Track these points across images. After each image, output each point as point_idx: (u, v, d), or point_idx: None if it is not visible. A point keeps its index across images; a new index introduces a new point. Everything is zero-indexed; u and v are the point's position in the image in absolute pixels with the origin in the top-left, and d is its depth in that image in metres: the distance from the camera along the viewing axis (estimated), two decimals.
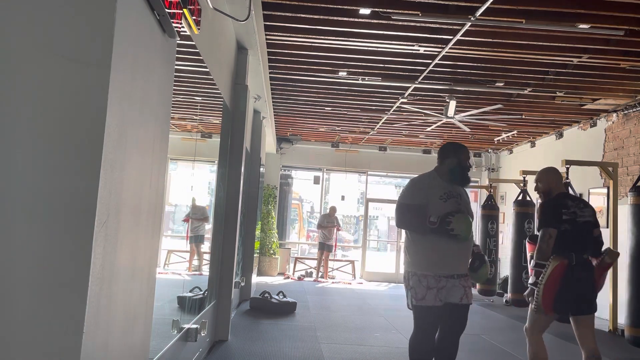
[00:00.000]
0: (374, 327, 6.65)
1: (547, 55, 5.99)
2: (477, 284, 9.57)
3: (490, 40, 5.59)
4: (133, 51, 1.97)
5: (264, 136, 9.30)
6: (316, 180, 13.38)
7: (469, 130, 9.61)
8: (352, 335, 6.01)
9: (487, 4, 4.60)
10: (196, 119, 4.68)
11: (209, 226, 5.69)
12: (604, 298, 7.48)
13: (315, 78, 7.41)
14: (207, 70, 3.92)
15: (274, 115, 9.83)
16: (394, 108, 8.74)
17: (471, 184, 12.97)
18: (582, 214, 3.54)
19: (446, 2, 4.74)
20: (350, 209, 16.81)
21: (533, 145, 10.91)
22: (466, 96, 7.82)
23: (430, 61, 6.34)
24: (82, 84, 1.71)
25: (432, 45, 5.84)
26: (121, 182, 1.93)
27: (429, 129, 9.82)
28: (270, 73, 7.15)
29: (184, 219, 5.67)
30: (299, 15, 5.21)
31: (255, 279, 9.12)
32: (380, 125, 10.37)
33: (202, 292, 4.77)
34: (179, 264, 5.58)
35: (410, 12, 4.95)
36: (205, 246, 5.93)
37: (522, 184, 8.31)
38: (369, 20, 5.22)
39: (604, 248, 3.72)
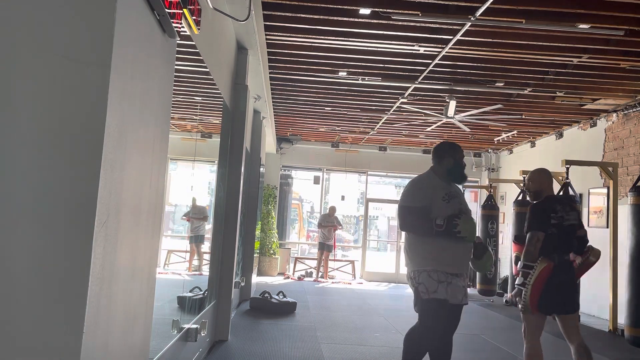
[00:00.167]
0: (374, 327, 6.65)
1: (547, 55, 5.99)
2: (477, 284, 9.58)
3: (490, 40, 5.59)
4: (133, 51, 1.97)
5: (264, 136, 9.30)
6: (316, 180, 13.38)
7: (469, 130, 9.62)
8: (352, 335, 6.01)
9: (487, 4, 4.60)
10: (196, 119, 4.67)
11: (209, 226, 5.69)
12: (604, 298, 7.49)
13: (315, 78, 7.41)
14: (207, 70, 3.92)
15: (274, 115, 9.83)
16: (394, 108, 8.74)
17: (471, 184, 13.00)
18: (568, 217, 3.66)
19: (446, 2, 4.74)
20: (350, 209, 16.81)
21: (533, 145, 10.92)
22: (466, 96, 7.82)
23: (430, 61, 6.35)
24: (82, 84, 1.71)
25: (432, 45, 5.84)
26: (121, 182, 1.93)
27: (429, 129, 9.82)
28: (270, 73, 7.15)
29: (183, 217, 5.68)
30: (299, 15, 5.21)
31: (255, 279, 9.12)
32: (380, 125, 10.37)
33: (202, 292, 4.77)
34: (179, 264, 5.58)
35: (410, 12, 4.95)
36: (205, 246, 5.93)
37: (522, 184, 8.30)
38: (369, 20, 5.22)
39: (602, 249, 3.77)
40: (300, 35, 5.76)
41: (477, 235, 3.47)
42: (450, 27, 5.28)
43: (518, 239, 3.93)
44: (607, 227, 7.67)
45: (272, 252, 12.10)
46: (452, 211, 3.36)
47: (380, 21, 5.21)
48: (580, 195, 8.40)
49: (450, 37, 5.51)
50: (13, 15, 1.69)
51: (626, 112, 7.88)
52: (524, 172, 8.19)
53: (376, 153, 13.00)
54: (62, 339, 1.63)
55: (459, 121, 8.51)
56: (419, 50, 6.00)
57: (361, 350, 5.29)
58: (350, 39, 5.79)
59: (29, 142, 1.66)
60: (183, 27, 2.67)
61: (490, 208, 9.66)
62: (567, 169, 7.16)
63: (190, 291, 4.56)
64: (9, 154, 1.65)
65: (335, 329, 6.36)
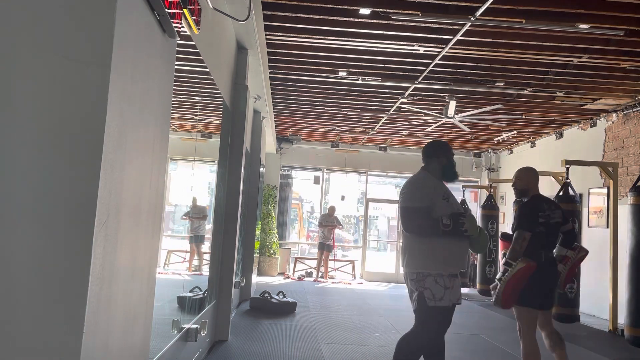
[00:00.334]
0: (374, 327, 6.65)
1: (547, 55, 5.99)
2: (477, 284, 9.59)
3: (490, 40, 5.59)
4: (133, 51, 1.97)
5: (264, 136, 9.30)
6: (316, 180, 13.38)
7: (469, 130, 9.62)
8: (352, 335, 6.01)
9: (487, 4, 4.60)
10: (196, 119, 4.67)
11: (209, 226, 5.69)
12: (604, 298, 7.49)
13: (315, 78, 7.41)
14: (207, 70, 3.92)
15: (274, 115, 9.83)
16: (394, 108, 8.74)
17: (471, 184, 12.99)
18: (553, 215, 3.81)
19: (446, 2, 4.74)
20: (350, 209, 16.80)
21: (533, 145, 10.92)
22: (466, 96, 7.82)
23: (430, 61, 6.35)
24: (82, 84, 1.71)
25: (432, 45, 5.84)
26: (121, 182, 1.93)
27: (429, 129, 9.82)
28: (270, 73, 7.15)
29: (183, 217, 5.69)
30: (299, 15, 5.21)
31: (255, 279, 9.12)
32: (380, 125, 10.37)
33: (202, 292, 4.77)
34: (179, 264, 5.58)
35: (410, 12, 4.96)
36: (206, 246, 5.93)
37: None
38: (369, 20, 5.22)
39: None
40: (300, 35, 5.76)
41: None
42: (450, 27, 5.28)
43: (505, 236, 4.05)
44: (607, 227, 7.67)
45: (272, 252, 12.10)
46: (452, 210, 3.38)
47: (380, 21, 5.21)
48: (580, 195, 8.40)
49: (450, 37, 5.51)
50: (13, 15, 1.69)
51: (626, 112, 7.88)
52: None
53: (376, 153, 13.00)
54: (62, 339, 1.63)
55: (459, 121, 8.51)
56: (419, 50, 6.00)
57: (361, 350, 5.29)
58: (350, 39, 5.79)
59: (29, 142, 1.67)
60: (183, 27, 2.67)
61: (490, 208, 9.65)
62: (567, 169, 7.16)
63: (190, 291, 4.56)
64: (9, 154, 1.65)
65: (335, 329, 6.36)
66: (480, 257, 9.58)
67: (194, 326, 3.90)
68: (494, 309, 8.56)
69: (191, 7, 2.61)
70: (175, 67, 2.72)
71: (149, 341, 2.58)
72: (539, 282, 3.68)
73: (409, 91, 7.63)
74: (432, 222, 3.29)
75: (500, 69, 6.53)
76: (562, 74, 6.63)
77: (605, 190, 8.14)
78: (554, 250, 3.90)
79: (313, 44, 6.05)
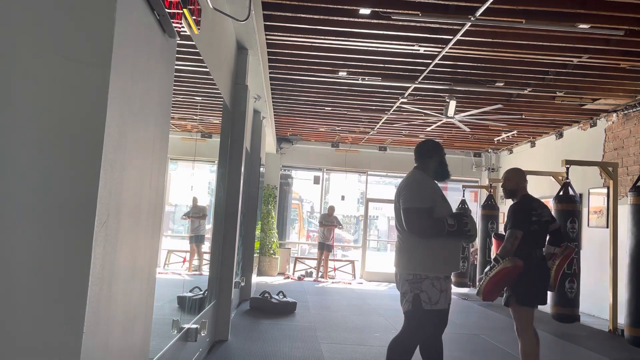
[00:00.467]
0: (374, 327, 6.65)
1: (547, 55, 5.99)
2: (478, 284, 9.58)
3: (490, 40, 5.59)
4: (133, 51, 1.97)
5: (264, 136, 9.30)
6: (316, 180, 13.38)
7: (469, 130, 9.62)
8: (352, 335, 6.01)
9: (487, 4, 4.60)
10: (196, 119, 4.67)
11: (209, 226, 5.69)
12: (604, 298, 7.49)
13: (315, 78, 7.41)
14: (207, 70, 3.92)
15: (274, 115, 9.83)
16: (394, 108, 8.74)
17: (471, 184, 12.99)
18: (544, 214, 3.91)
19: (446, 2, 4.74)
20: (350, 209, 16.80)
21: (533, 145, 10.92)
22: (466, 96, 7.82)
23: (430, 61, 6.35)
24: (82, 84, 1.71)
25: (432, 45, 5.84)
26: (121, 182, 1.93)
27: (429, 129, 9.83)
28: (270, 73, 7.15)
29: (183, 217, 5.69)
30: (299, 15, 5.21)
31: (255, 279, 9.12)
32: (380, 125, 10.37)
33: (202, 292, 4.77)
34: (179, 264, 5.58)
35: (410, 12, 4.96)
36: (206, 246, 5.94)
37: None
38: (369, 20, 5.22)
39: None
40: (300, 35, 5.76)
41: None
42: (450, 27, 5.28)
43: (498, 236, 4.16)
44: (607, 227, 7.67)
45: (272, 252, 12.10)
46: (448, 210, 3.38)
47: (380, 21, 5.21)
48: (580, 195, 8.39)
49: (450, 37, 5.51)
50: (13, 15, 1.69)
51: (626, 112, 7.88)
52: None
53: (376, 153, 13.00)
54: (62, 339, 1.63)
55: (459, 121, 8.51)
56: (419, 50, 6.00)
57: (361, 350, 5.29)
58: (350, 39, 5.79)
59: (29, 142, 1.67)
60: (183, 27, 2.67)
61: (490, 208, 9.65)
62: (567, 169, 7.16)
63: (190, 291, 4.56)
64: (9, 154, 1.65)
65: (335, 329, 6.36)
66: (480, 257, 9.59)
67: (194, 326, 3.90)
68: (494, 309, 8.56)
69: (191, 7, 2.61)
70: (175, 67, 2.72)
71: (149, 341, 2.58)
72: (537, 281, 3.76)
73: (409, 91, 7.63)
74: (437, 223, 3.25)
75: (500, 69, 6.53)
76: (562, 74, 6.63)
77: (605, 190, 8.14)
78: (543, 249, 4.00)
79: (313, 44, 6.05)
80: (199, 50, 3.45)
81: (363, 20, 5.21)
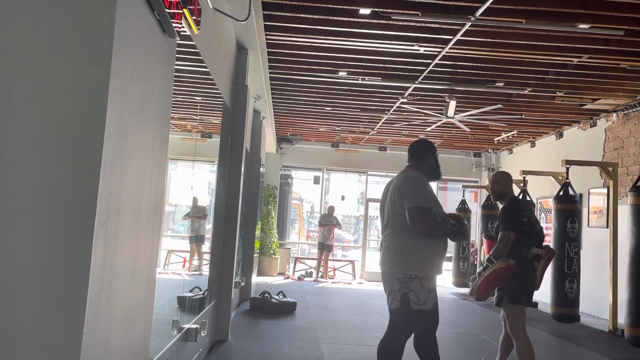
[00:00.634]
0: (374, 327, 6.65)
1: (547, 55, 5.99)
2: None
3: (490, 40, 5.59)
4: (133, 51, 1.97)
5: (264, 136, 9.30)
6: (316, 180, 13.38)
7: (469, 130, 9.62)
8: (352, 335, 6.01)
9: (487, 4, 4.60)
10: (196, 119, 4.67)
11: (209, 226, 5.69)
12: (604, 298, 7.49)
13: (315, 78, 7.41)
14: (207, 70, 3.92)
15: (274, 115, 9.83)
16: (394, 108, 8.74)
17: (472, 184, 13.00)
18: (532, 215, 4.05)
19: (446, 2, 4.74)
20: (350, 209, 16.80)
21: (533, 145, 10.92)
22: (466, 96, 7.82)
23: (430, 61, 6.35)
24: (82, 84, 1.71)
25: (432, 45, 5.84)
26: (121, 182, 1.93)
27: (429, 129, 9.83)
28: (270, 73, 7.15)
29: (184, 217, 5.69)
30: (299, 15, 5.21)
31: (255, 279, 9.12)
32: (380, 125, 10.37)
33: (202, 292, 4.77)
34: (179, 264, 5.58)
35: (410, 12, 4.96)
36: (206, 246, 5.93)
37: (522, 184, 8.31)
38: (369, 20, 5.22)
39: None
40: (300, 35, 5.76)
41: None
42: (450, 27, 5.28)
43: (488, 236, 4.25)
44: (607, 227, 7.67)
45: (272, 252, 12.10)
46: (442, 210, 3.42)
47: (380, 21, 5.21)
48: (580, 195, 8.39)
49: (450, 37, 5.51)
50: (13, 15, 1.69)
51: (626, 112, 7.88)
52: (524, 172, 8.21)
53: (376, 153, 13.00)
54: (62, 339, 1.63)
55: (459, 121, 8.51)
56: (419, 50, 6.00)
57: (361, 350, 5.29)
58: (350, 39, 5.79)
59: (29, 142, 1.66)
60: (183, 27, 2.67)
61: (490, 208, 9.64)
62: (567, 169, 7.16)
63: (190, 291, 4.56)
64: (9, 154, 1.65)
65: (335, 329, 6.36)
66: (480, 257, 9.58)
67: (194, 326, 3.90)
68: (494, 309, 8.56)
69: (191, 7, 2.61)
70: (175, 67, 2.72)
71: (149, 341, 2.58)
72: (531, 281, 3.88)
73: (409, 91, 7.63)
74: (442, 223, 3.29)
75: (500, 69, 6.53)
76: (562, 74, 6.63)
77: (605, 190, 8.14)
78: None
79: (313, 44, 6.05)
80: (199, 50, 3.45)
81: (363, 20, 5.21)
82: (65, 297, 1.64)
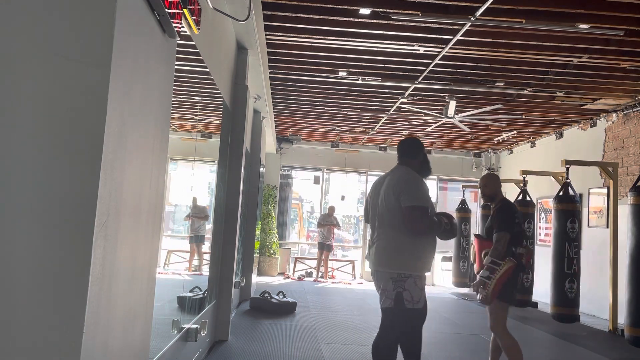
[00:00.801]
0: (374, 327, 6.61)
1: (547, 55, 5.99)
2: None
3: (490, 40, 5.59)
4: (133, 51, 1.97)
5: (264, 136, 9.30)
6: (316, 180, 13.37)
7: (469, 130, 9.62)
8: (352, 335, 6.01)
9: (487, 4, 4.60)
10: (196, 119, 4.67)
11: (209, 226, 5.69)
12: (604, 298, 7.49)
13: (315, 78, 7.41)
14: (207, 70, 3.92)
15: (274, 115, 9.83)
16: (394, 108, 8.74)
17: (472, 184, 13.02)
18: (520, 216, 4.17)
19: (446, 2, 4.74)
20: (350, 209, 16.79)
21: (533, 145, 10.92)
22: (466, 96, 7.82)
23: (430, 61, 6.35)
24: (82, 84, 1.71)
25: (432, 45, 5.84)
26: (121, 182, 1.93)
27: (429, 129, 9.83)
28: (270, 73, 7.15)
29: (186, 218, 5.68)
30: (299, 15, 5.21)
31: (255, 279, 9.12)
32: (380, 125, 10.37)
33: (202, 292, 4.77)
34: (179, 264, 5.57)
35: (410, 12, 4.96)
36: (206, 246, 5.93)
37: (522, 184, 8.31)
38: (369, 20, 5.22)
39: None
40: (300, 35, 5.76)
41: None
42: (450, 27, 5.28)
43: (479, 236, 4.30)
44: (607, 227, 7.67)
45: (272, 252, 12.10)
46: (434, 207, 3.46)
47: (380, 21, 5.21)
48: (580, 195, 8.40)
49: (450, 37, 5.51)
50: (13, 15, 1.69)
51: (626, 112, 7.89)
52: (524, 172, 8.21)
53: (376, 153, 13.00)
54: (61, 339, 1.63)
55: (459, 121, 8.51)
56: (419, 50, 6.00)
57: (361, 350, 5.29)
58: (350, 39, 5.79)
59: (29, 142, 1.66)
60: (183, 27, 2.67)
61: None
62: (567, 169, 7.16)
63: (190, 291, 4.56)
64: (10, 154, 1.65)
65: (335, 329, 6.36)
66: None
67: (194, 326, 3.90)
68: None
69: (191, 7, 2.61)
70: (175, 67, 2.72)
71: (149, 341, 2.58)
72: (519, 279, 4.06)
73: (409, 91, 7.63)
74: (437, 223, 3.33)
75: (500, 69, 6.53)
76: (562, 74, 6.63)
77: (605, 190, 8.14)
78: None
79: (313, 44, 6.05)
80: (199, 50, 3.45)
81: (363, 20, 5.21)
82: (65, 297, 1.64)
